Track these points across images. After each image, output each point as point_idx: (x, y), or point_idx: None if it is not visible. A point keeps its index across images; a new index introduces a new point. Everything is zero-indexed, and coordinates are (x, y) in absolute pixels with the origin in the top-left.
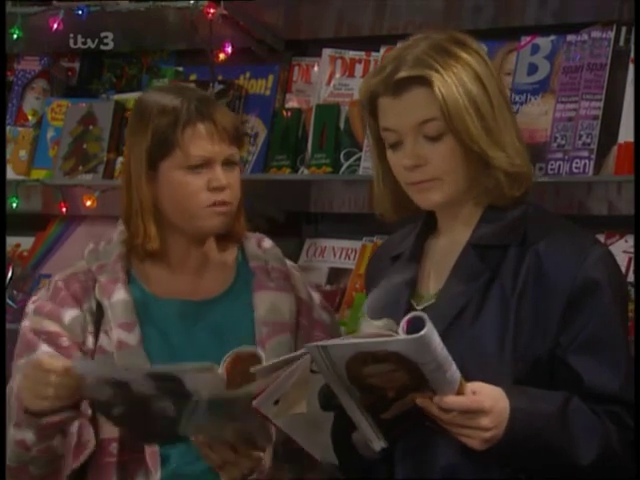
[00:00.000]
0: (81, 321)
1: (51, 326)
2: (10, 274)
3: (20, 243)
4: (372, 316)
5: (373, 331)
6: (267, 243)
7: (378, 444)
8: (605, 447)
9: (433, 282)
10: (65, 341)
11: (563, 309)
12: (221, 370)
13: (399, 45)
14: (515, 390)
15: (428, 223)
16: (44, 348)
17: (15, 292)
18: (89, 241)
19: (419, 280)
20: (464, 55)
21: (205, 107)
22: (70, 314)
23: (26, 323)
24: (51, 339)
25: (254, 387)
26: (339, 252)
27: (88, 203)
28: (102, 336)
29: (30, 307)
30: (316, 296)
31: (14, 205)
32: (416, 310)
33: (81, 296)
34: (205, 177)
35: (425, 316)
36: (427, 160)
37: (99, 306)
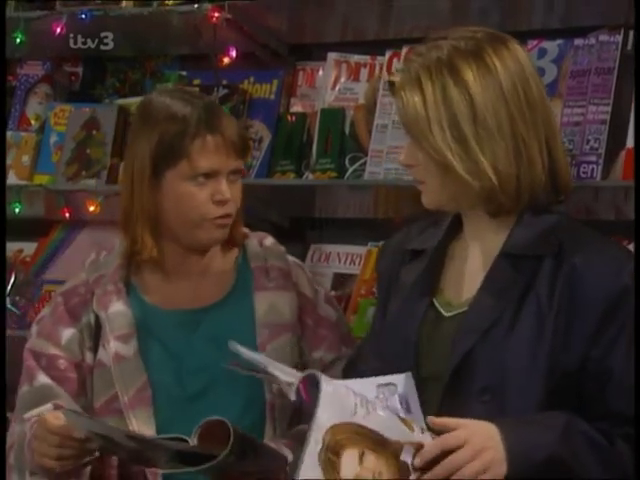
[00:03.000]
0: (78, 339)
1: (50, 348)
2: (12, 280)
3: (23, 248)
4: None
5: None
6: (269, 241)
7: None
8: (613, 467)
9: (466, 288)
10: (62, 364)
11: (598, 323)
12: (193, 441)
13: (430, 42)
14: (508, 425)
15: (453, 225)
16: (41, 379)
17: (17, 298)
18: (92, 248)
19: (444, 284)
20: (466, 71)
21: (213, 118)
22: (67, 334)
23: (28, 345)
24: (50, 363)
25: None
26: (344, 258)
27: (91, 208)
28: (101, 350)
29: (34, 328)
30: (322, 291)
31: (17, 210)
32: (445, 317)
33: (79, 311)
34: (210, 189)
35: (318, 374)
36: (418, 162)
37: (97, 319)
